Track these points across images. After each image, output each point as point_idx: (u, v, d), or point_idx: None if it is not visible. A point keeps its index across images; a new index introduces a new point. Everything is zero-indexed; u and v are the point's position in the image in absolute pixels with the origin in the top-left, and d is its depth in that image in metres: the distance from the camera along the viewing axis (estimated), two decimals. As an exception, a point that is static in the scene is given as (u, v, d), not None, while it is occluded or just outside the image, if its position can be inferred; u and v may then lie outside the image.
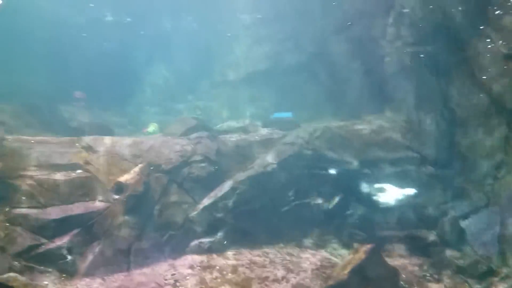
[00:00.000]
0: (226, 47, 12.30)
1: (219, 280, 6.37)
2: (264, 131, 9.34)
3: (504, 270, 6.48)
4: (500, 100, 7.45)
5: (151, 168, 7.41)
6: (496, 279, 6.37)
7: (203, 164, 7.86)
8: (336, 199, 8.25)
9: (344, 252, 7.34)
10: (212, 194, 7.64)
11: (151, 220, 7.01)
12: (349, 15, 10.53)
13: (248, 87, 11.43)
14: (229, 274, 6.53)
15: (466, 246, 7.19)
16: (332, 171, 8.53)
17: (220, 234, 7.33)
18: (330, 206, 8.18)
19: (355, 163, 8.61)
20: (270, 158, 8.31)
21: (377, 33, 10.13)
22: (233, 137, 8.88)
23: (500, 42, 7.41)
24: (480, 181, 7.75)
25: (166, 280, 6.25)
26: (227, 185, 7.76)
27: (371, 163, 8.66)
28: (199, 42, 12.09)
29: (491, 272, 6.49)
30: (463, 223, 7.43)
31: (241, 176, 7.91)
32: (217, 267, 6.70)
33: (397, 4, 9.44)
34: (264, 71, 11.29)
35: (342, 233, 7.82)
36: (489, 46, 7.67)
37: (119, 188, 6.86)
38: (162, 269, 6.48)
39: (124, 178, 6.94)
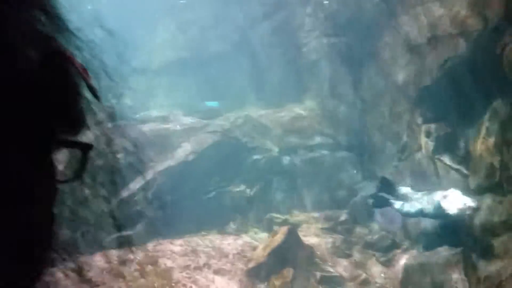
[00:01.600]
0: (147, 32, 11.97)
1: (137, 273, 6.33)
2: (186, 120, 9.34)
3: (406, 243, 7.18)
4: (405, 88, 8.07)
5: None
6: (399, 251, 7.05)
7: (119, 155, 7.67)
8: (258, 186, 8.52)
9: (264, 235, 7.63)
10: (130, 186, 7.51)
11: (61, 217, 6.73)
12: (270, 5, 10.77)
13: (170, 75, 11.28)
14: (149, 266, 6.51)
15: (374, 223, 7.84)
16: (254, 159, 8.78)
17: (139, 227, 7.25)
18: (252, 192, 8.44)
19: (276, 150, 8.93)
20: (191, 147, 8.35)
21: (296, 23, 10.49)
22: (153, 127, 8.76)
23: (406, 34, 7.97)
24: (386, 162, 8.44)
25: (80, 277, 6.08)
26: (146, 176, 7.67)
27: (291, 150, 9.05)
28: (116, 24, 11.62)
29: (395, 245, 7.16)
30: (371, 202, 8.08)
31: (161, 166, 7.88)
32: (136, 260, 6.64)
33: (314, -5, 9.84)
34: (187, 58, 11.19)
35: (263, 217, 8.12)
36: (396, 38, 8.21)
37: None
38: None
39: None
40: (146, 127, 8.77)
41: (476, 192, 6.14)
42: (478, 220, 5.81)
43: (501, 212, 5.53)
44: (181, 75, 11.15)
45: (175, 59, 11.31)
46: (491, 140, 6.09)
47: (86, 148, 0.61)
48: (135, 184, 7.58)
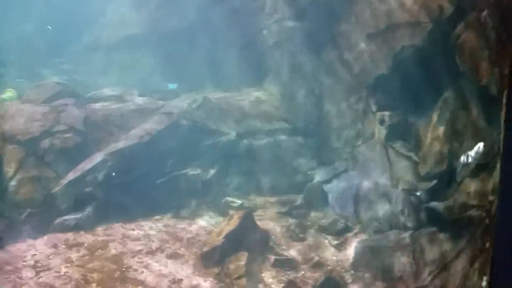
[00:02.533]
0: (100, 8, 11.38)
1: (87, 257, 6.09)
2: (141, 100, 9.02)
3: (357, 227, 7.38)
4: (360, 77, 8.18)
5: (4, 139, 6.66)
6: (350, 234, 7.24)
7: (68, 135, 7.30)
8: (214, 169, 8.41)
9: (220, 219, 7.58)
10: (79, 167, 7.18)
11: (6, 198, 6.35)
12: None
13: (124, 53, 10.81)
14: (99, 251, 6.28)
15: (328, 208, 8.00)
16: (211, 142, 8.64)
17: (88, 210, 6.96)
18: (208, 176, 8.32)
19: (234, 134, 8.84)
20: (146, 128, 8.07)
21: (257, 5, 10.31)
22: (105, 106, 8.38)
23: (364, 22, 8.03)
24: (341, 149, 8.59)
25: (25, 261, 5.76)
26: (97, 157, 7.35)
27: (248, 134, 8.98)
28: (66, 1, 10.97)
29: (347, 229, 7.34)
30: (326, 187, 8.22)
31: (114, 147, 7.57)
32: (85, 244, 6.39)
33: (275, -22, 9.69)
34: (142, 36, 10.74)
35: (219, 201, 8.05)
36: (355, 26, 8.26)
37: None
38: (20, 250, 5.95)
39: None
40: (98, 106, 8.38)
41: (426, 178, 6.38)
42: (426, 205, 6.05)
43: (448, 198, 5.78)
44: (137, 53, 10.71)
45: (130, 36, 10.84)
46: (441, 129, 6.32)
47: None
48: (85, 165, 7.25)
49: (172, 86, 10.21)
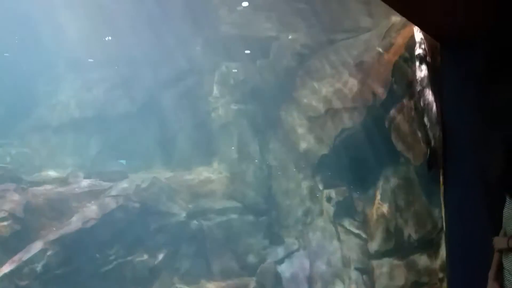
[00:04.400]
0: (50, 89, 11.25)
1: None
2: (86, 183, 8.69)
3: (314, 308, 7.22)
4: (306, 155, 8.55)
5: None
6: (307, 318, 7.04)
7: (6, 223, 6.79)
8: (162, 254, 8.06)
9: (169, 309, 7.12)
10: (16, 258, 6.59)
11: None
12: (180, 70, 10.95)
13: (72, 134, 10.56)
14: None
15: (282, 290, 7.82)
16: (160, 224, 8.36)
17: (23, 306, 6.30)
18: (156, 262, 7.93)
19: (183, 215, 8.65)
20: (90, 212, 7.69)
21: (205, 89, 10.75)
22: (48, 189, 7.98)
23: (305, 106, 8.59)
24: (292, 227, 8.64)
25: None
26: (35, 246, 6.82)
27: (199, 214, 8.83)
28: (15, 81, 10.77)
29: (303, 312, 7.15)
30: (279, 268, 8.10)
31: (55, 234, 7.08)
32: None
33: (223, 65, 10.29)
34: (91, 117, 10.65)
35: (169, 288, 7.62)
36: (297, 109, 8.80)
37: None
38: None
39: None
40: (41, 190, 7.95)
41: (376, 256, 6.51)
42: (379, 285, 6.10)
43: (399, 276, 5.89)
44: (85, 134, 10.51)
45: (79, 117, 10.69)
46: (386, 206, 6.62)
47: None
48: (22, 256, 6.66)
49: (121, 162, 10.02)
